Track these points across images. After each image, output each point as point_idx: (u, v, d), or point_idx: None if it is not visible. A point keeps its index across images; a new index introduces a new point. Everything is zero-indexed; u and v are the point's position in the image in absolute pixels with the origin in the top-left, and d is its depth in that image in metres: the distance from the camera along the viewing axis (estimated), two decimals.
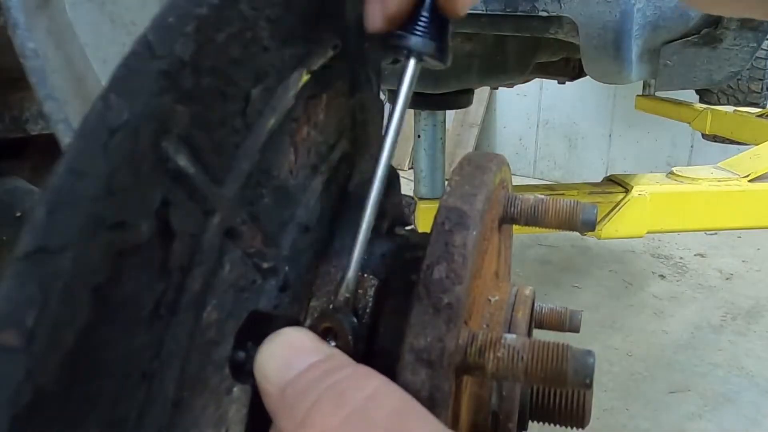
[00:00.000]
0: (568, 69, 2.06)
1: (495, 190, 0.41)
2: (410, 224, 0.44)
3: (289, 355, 0.30)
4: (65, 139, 0.43)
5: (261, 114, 0.31)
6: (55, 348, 0.21)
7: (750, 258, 3.18)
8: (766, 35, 1.27)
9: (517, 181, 3.66)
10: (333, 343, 0.33)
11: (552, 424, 0.44)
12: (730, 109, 2.80)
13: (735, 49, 1.26)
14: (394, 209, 0.43)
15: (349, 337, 0.33)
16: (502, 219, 0.46)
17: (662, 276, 2.98)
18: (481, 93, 4.30)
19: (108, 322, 0.23)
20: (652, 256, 3.20)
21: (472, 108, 3.24)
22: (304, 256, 0.38)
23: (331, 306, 0.36)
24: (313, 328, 0.33)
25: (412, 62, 0.37)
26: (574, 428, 0.44)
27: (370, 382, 0.29)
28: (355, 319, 0.34)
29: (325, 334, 0.33)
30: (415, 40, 0.36)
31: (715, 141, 2.92)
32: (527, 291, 0.46)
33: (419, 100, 1.88)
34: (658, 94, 3.24)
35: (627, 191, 1.87)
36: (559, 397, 0.42)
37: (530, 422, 0.43)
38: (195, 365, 0.29)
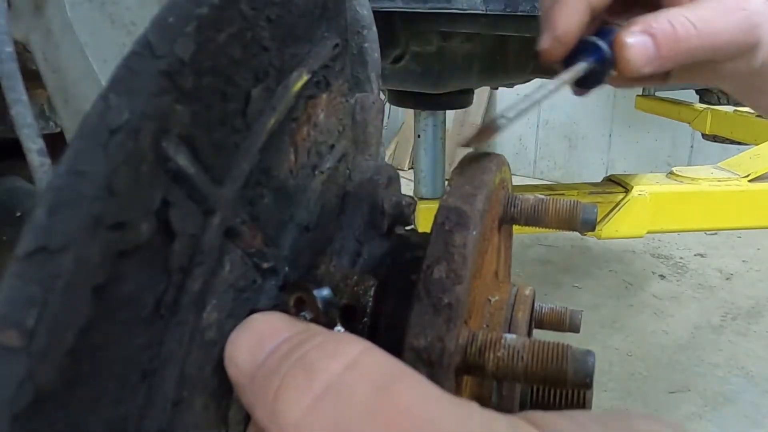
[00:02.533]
0: None
1: (495, 190, 0.41)
2: (410, 224, 0.44)
3: (258, 339, 0.27)
4: (29, 143, 0.43)
5: (261, 114, 0.31)
6: (56, 348, 0.21)
7: (750, 258, 3.18)
8: None
9: (517, 181, 3.66)
10: (309, 317, 0.31)
11: None
12: (730, 109, 2.80)
13: None
14: (394, 209, 0.43)
15: (319, 307, 0.31)
16: (502, 219, 0.46)
17: (662, 276, 2.98)
18: (481, 93, 4.30)
19: (108, 321, 0.23)
20: (652, 256, 3.20)
21: (472, 108, 3.24)
22: (304, 256, 0.38)
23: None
24: (284, 303, 0.32)
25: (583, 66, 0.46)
26: None
27: (348, 348, 0.25)
28: (328, 290, 0.32)
29: (298, 308, 0.32)
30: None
31: (715, 141, 2.92)
32: (527, 291, 0.46)
33: (419, 100, 1.88)
34: (658, 94, 3.24)
35: (627, 191, 1.87)
36: (559, 397, 0.42)
37: None
38: (195, 365, 0.29)
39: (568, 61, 0.48)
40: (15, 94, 0.44)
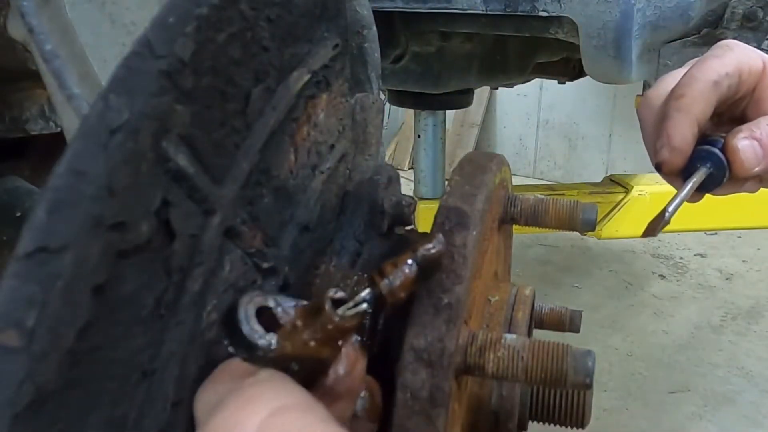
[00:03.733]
0: (568, 69, 2.06)
1: (495, 190, 0.41)
2: (410, 224, 0.44)
3: (212, 395, 0.28)
4: None
5: (261, 114, 0.31)
6: (56, 348, 0.21)
7: (750, 258, 3.18)
8: (766, 35, 1.27)
9: (517, 181, 3.66)
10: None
11: (552, 424, 0.44)
12: None
13: None
14: (394, 209, 0.43)
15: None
16: (502, 219, 0.46)
17: (662, 276, 2.97)
18: (481, 93, 4.29)
19: (108, 321, 0.23)
20: (652, 256, 3.19)
21: (472, 108, 3.23)
22: (304, 256, 0.38)
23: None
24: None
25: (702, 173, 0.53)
26: (574, 428, 0.44)
27: (251, 416, 0.25)
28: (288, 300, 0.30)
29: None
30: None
31: None
32: (527, 291, 0.46)
33: (419, 100, 1.88)
34: None
35: (627, 191, 1.87)
36: (559, 397, 0.42)
37: (530, 422, 0.43)
38: (195, 365, 0.29)
39: (685, 169, 0.54)
40: (67, 90, 0.44)
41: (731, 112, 0.57)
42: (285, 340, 0.28)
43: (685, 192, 0.52)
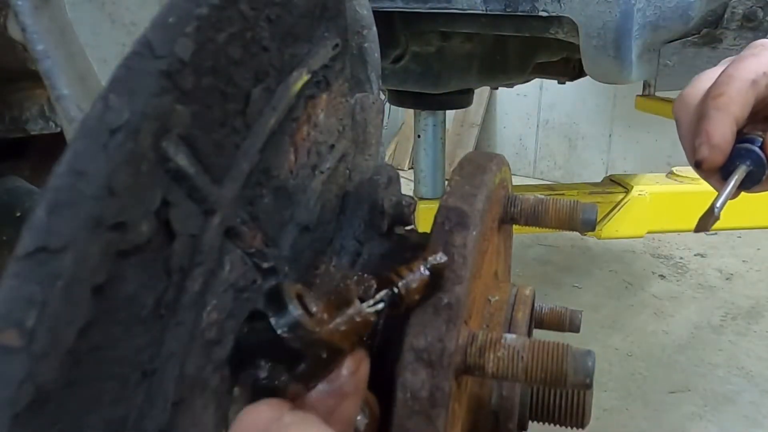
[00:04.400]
0: (568, 69, 2.06)
1: (495, 190, 0.41)
2: (410, 224, 0.44)
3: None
4: None
5: (261, 114, 0.31)
6: (56, 348, 0.21)
7: (750, 258, 3.18)
8: (766, 35, 1.27)
9: (517, 181, 3.66)
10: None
11: (552, 424, 0.44)
12: None
13: (735, 49, 1.26)
14: (394, 209, 0.43)
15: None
16: (502, 219, 0.46)
17: (662, 276, 2.97)
18: (481, 93, 4.29)
19: (108, 321, 0.23)
20: (652, 256, 3.19)
21: (472, 108, 3.23)
22: (304, 256, 0.38)
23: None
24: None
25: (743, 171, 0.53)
26: (574, 428, 0.44)
27: None
28: (290, 317, 0.30)
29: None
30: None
31: None
32: (527, 291, 0.46)
33: (419, 100, 1.88)
34: (658, 94, 3.23)
35: (627, 191, 1.87)
36: (559, 397, 0.43)
37: (530, 422, 0.43)
38: (195, 365, 0.29)
39: (724, 167, 0.54)
40: (57, 90, 0.44)
41: (766, 111, 0.58)
42: (318, 326, 0.30)
43: (730, 187, 0.53)
